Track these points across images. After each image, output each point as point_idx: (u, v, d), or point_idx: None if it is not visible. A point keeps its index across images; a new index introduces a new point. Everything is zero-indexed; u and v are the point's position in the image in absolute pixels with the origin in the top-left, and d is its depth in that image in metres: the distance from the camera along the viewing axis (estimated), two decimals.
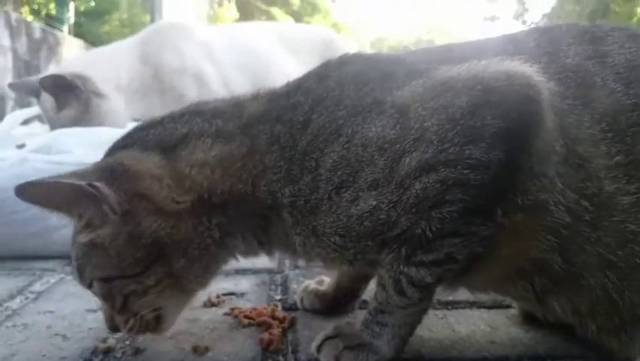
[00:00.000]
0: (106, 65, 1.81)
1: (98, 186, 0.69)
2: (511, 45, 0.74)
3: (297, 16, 10.97)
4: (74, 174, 0.72)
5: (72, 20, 6.07)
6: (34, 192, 0.71)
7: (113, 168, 0.72)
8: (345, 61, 0.76)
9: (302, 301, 0.92)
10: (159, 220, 0.71)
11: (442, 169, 0.64)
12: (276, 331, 0.83)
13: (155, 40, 1.86)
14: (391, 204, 0.66)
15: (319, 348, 0.75)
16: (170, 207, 0.71)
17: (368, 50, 1.57)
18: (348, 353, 0.73)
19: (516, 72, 0.66)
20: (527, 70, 0.67)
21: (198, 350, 0.79)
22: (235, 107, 0.77)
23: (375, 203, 0.66)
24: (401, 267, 0.68)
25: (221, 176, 0.72)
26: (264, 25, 2.15)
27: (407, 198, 0.65)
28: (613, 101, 0.67)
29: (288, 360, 0.78)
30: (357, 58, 0.77)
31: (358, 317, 0.82)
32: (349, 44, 2.05)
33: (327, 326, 0.78)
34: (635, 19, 6.85)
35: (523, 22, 9.48)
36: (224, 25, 4.68)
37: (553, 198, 0.65)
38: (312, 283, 0.93)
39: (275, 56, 1.90)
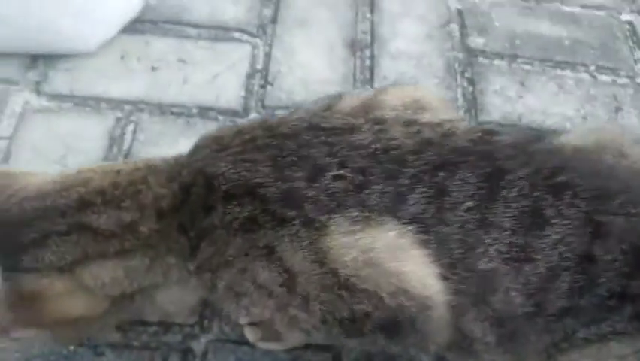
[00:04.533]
0: None
1: None
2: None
3: None
4: None
5: None
6: None
7: None
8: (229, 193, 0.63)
9: None
10: None
11: (324, 333, 0.64)
12: None
13: None
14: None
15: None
16: None
17: None
18: (263, 343, 0.84)
19: (420, 297, 0.58)
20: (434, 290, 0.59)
21: None
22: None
23: (270, 317, 0.65)
24: None
25: None
26: None
27: (298, 327, 0.65)
28: None
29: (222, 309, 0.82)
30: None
31: None
32: None
33: None
34: None
35: None
36: None
37: None
38: None
39: None
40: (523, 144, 0.62)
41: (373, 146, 0.62)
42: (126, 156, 1.03)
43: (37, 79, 1.12)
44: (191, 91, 1.13)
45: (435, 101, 0.69)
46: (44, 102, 1.10)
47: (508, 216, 0.58)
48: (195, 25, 1.23)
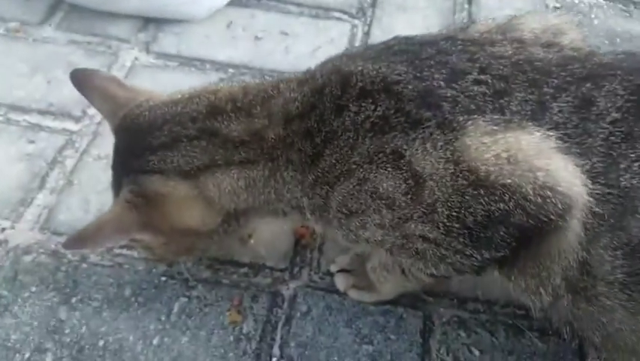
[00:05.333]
0: None
1: None
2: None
3: None
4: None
5: None
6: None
7: None
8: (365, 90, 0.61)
9: None
10: None
11: (443, 250, 0.61)
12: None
13: None
14: (395, 246, 0.65)
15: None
16: None
17: None
18: (354, 291, 0.82)
19: (566, 195, 0.55)
20: (578, 192, 0.55)
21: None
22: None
23: (381, 238, 0.64)
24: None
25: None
26: None
27: (410, 248, 0.64)
28: None
29: (312, 258, 0.87)
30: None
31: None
32: None
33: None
34: None
35: None
36: None
37: None
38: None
39: None
40: None
41: (516, 57, 0.61)
42: None
43: (148, 39, 1.18)
44: (292, 60, 1.15)
45: (574, 29, 0.68)
46: (152, 59, 1.14)
47: None
48: (298, 4, 1.27)
